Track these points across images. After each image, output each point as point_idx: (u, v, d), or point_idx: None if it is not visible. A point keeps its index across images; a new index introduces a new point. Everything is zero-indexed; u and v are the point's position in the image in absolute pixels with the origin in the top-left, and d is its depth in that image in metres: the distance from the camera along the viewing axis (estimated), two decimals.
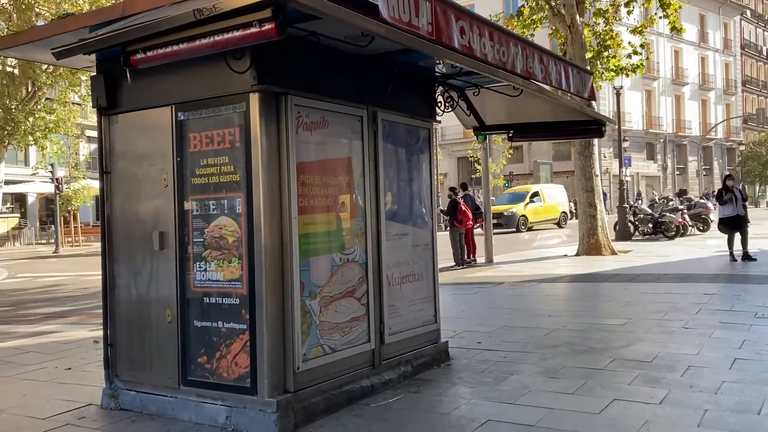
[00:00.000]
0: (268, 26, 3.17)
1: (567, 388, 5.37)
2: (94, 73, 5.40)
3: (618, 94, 23.89)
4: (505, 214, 30.67)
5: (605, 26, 17.98)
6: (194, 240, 4.91)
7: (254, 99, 4.56)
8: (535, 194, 32.78)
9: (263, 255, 4.58)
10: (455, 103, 6.63)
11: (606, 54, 17.68)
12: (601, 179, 17.27)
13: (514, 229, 30.51)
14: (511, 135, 7.84)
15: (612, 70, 18.01)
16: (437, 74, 6.35)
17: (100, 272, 5.42)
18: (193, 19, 3.23)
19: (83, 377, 6.37)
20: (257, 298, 4.59)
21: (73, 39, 4.48)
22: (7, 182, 33.97)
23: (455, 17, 4.18)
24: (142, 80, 5.10)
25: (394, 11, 3.46)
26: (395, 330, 5.71)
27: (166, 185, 5.01)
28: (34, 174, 36.27)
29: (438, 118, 6.56)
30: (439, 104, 6.59)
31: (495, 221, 23.04)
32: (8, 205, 38.45)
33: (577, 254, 16.81)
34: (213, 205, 4.82)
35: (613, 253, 16.64)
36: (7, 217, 35.33)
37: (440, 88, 6.58)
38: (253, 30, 3.20)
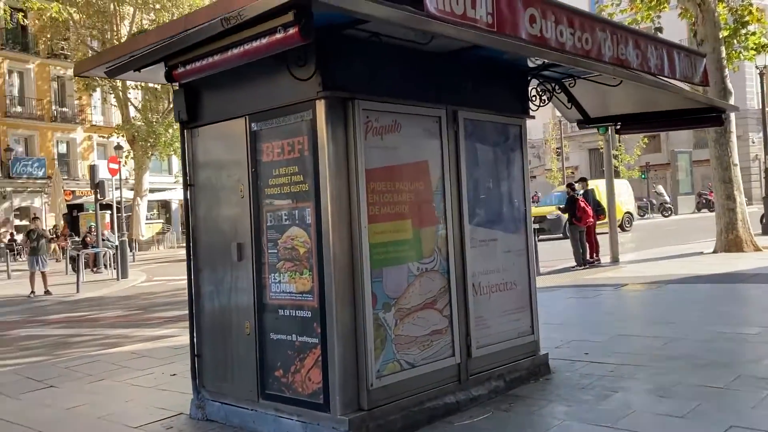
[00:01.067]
0: (292, 31, 2.98)
1: (677, 410, 4.78)
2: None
3: (762, 74, 21.74)
4: (549, 217, 24.71)
5: (743, 1, 16.36)
6: (269, 251, 4.84)
7: (320, 106, 4.40)
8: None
9: (332, 266, 4.41)
10: (551, 96, 6.15)
11: (744, 31, 16.09)
12: (741, 167, 15.52)
13: (560, 235, 23.67)
14: (618, 127, 7.21)
15: (752, 48, 16.36)
16: (531, 66, 5.92)
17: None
18: (221, 29, 3.10)
19: (183, 385, 6.51)
20: (327, 312, 4.43)
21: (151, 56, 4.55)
22: (152, 190, 36.64)
23: (523, 5, 3.80)
24: (218, 93, 5.14)
25: (442, 4, 3.15)
26: (484, 343, 5.36)
27: (243, 196, 4.98)
28: (175, 181, 38.79)
29: (532, 113, 6.11)
30: (533, 99, 6.14)
31: (536, 226, 19.14)
32: (153, 211, 41.42)
33: (714, 251, 15.42)
34: (285, 215, 4.72)
35: (757, 249, 15.10)
36: (152, 223, 38.00)
37: (534, 81, 6.12)
38: (279, 36, 3.03)
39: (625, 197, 27.59)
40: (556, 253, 18.26)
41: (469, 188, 5.32)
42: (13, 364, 8.61)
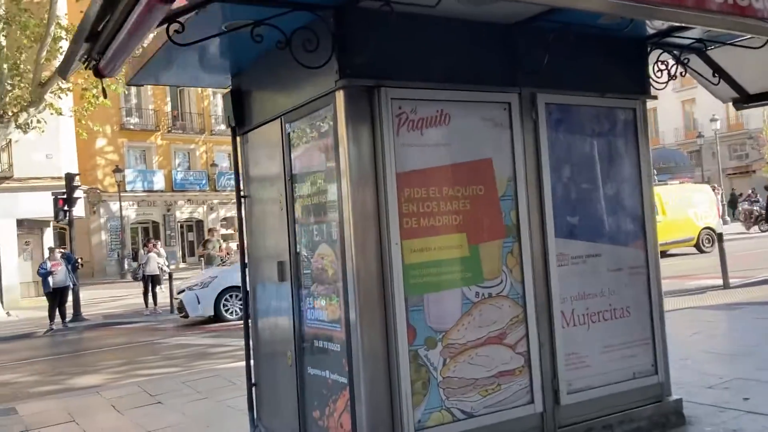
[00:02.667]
0: None
1: None
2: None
3: None
4: None
5: None
6: (304, 271, 4.18)
7: (339, 98, 3.65)
8: None
9: (356, 291, 3.62)
10: (677, 69, 4.78)
11: None
12: None
13: None
14: None
15: None
16: (651, 33, 4.65)
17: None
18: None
19: None
20: (353, 346, 3.65)
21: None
22: None
23: None
24: (260, 92, 4.63)
25: None
26: (580, 386, 4.23)
27: (282, 208, 4.37)
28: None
29: (655, 92, 4.81)
30: (657, 74, 4.82)
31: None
32: None
33: None
34: (315, 230, 4.03)
35: None
36: None
37: (656, 51, 4.81)
38: (141, 5, 2.32)
39: (701, 209, 20.20)
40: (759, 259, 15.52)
41: (555, 191, 4.23)
42: (146, 374, 8.86)
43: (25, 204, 22.44)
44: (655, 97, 4.80)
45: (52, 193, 16.79)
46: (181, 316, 13.93)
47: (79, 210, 22.84)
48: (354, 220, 3.62)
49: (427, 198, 3.80)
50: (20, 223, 23.64)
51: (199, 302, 13.40)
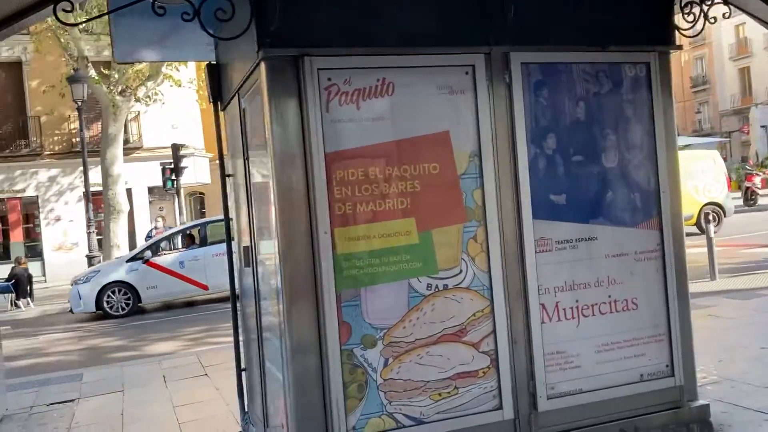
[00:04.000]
0: None
1: None
2: None
3: None
4: None
5: None
6: (258, 256, 3.92)
7: (262, 71, 3.30)
8: None
9: (288, 283, 3.30)
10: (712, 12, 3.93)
11: None
12: None
13: None
14: None
15: None
16: None
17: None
18: None
19: None
20: (284, 343, 3.35)
21: None
22: None
23: None
24: (228, 65, 4.35)
25: None
26: (565, 390, 3.67)
27: (244, 190, 4.12)
28: None
29: (681, 40, 4.01)
30: (686, 17, 3.99)
31: None
32: None
33: None
34: (263, 216, 3.74)
35: None
36: None
37: None
38: None
39: (702, 181, 16.64)
40: None
41: (535, 166, 3.64)
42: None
43: (155, 172, 23.93)
44: (679, 47, 4.00)
45: (160, 163, 17.66)
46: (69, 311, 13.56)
47: (204, 176, 24.08)
48: (280, 207, 3.29)
49: (366, 180, 3.37)
50: (151, 190, 25.27)
51: (80, 297, 12.91)
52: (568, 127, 3.73)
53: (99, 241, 18.63)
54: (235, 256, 4.59)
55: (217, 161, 4.65)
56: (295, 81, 3.29)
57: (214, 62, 4.67)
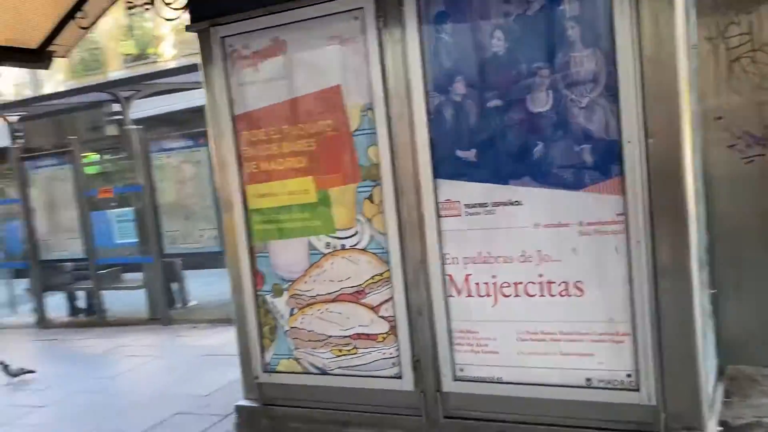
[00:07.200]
0: None
1: None
2: None
3: None
4: None
5: None
6: None
7: (198, 45, 3.73)
8: None
9: (226, 236, 3.81)
10: None
11: None
12: None
13: None
14: None
15: None
16: None
17: None
18: None
19: None
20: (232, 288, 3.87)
21: None
22: None
23: None
24: None
25: None
26: (479, 375, 3.21)
27: None
28: None
29: None
30: None
31: None
32: None
33: None
34: None
35: None
36: None
37: None
38: None
39: None
40: None
41: (439, 117, 3.11)
42: None
43: None
44: None
45: None
46: None
47: None
48: (218, 165, 3.76)
49: (267, 140, 3.52)
50: None
51: None
52: (481, 65, 3.00)
53: None
54: None
55: None
56: (210, 52, 3.61)
57: None
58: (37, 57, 4.21)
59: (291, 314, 3.61)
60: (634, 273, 2.83)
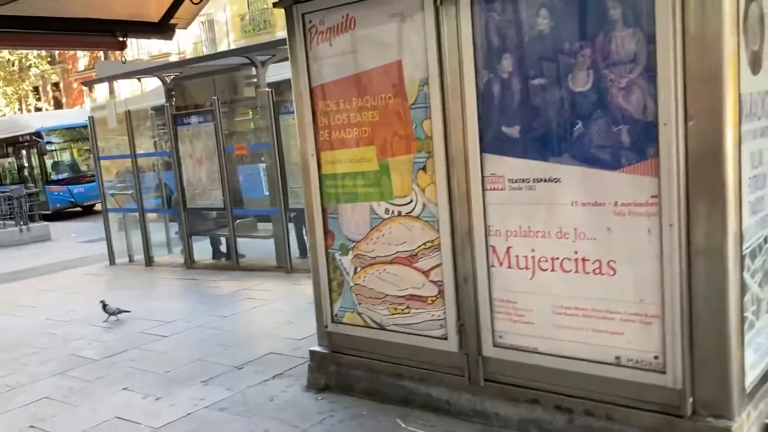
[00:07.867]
0: None
1: None
2: None
3: None
4: None
5: None
6: None
7: (286, 21, 4.06)
8: None
9: (304, 198, 4.19)
10: None
11: None
12: None
13: None
14: None
15: None
16: None
17: None
18: None
19: None
20: (310, 245, 4.25)
21: None
22: None
23: None
24: None
25: None
26: (517, 344, 3.34)
27: None
28: None
29: None
30: None
31: None
32: None
33: None
34: None
35: None
36: None
37: None
38: None
39: None
40: None
41: (487, 93, 3.21)
42: None
43: None
44: None
45: None
46: None
47: None
48: (299, 132, 4.11)
49: (338, 110, 3.80)
50: None
51: None
52: (527, 43, 3.05)
53: None
54: None
55: None
56: (294, 28, 3.93)
57: None
58: (159, 29, 4.78)
59: (355, 272, 3.93)
60: (665, 256, 2.81)
